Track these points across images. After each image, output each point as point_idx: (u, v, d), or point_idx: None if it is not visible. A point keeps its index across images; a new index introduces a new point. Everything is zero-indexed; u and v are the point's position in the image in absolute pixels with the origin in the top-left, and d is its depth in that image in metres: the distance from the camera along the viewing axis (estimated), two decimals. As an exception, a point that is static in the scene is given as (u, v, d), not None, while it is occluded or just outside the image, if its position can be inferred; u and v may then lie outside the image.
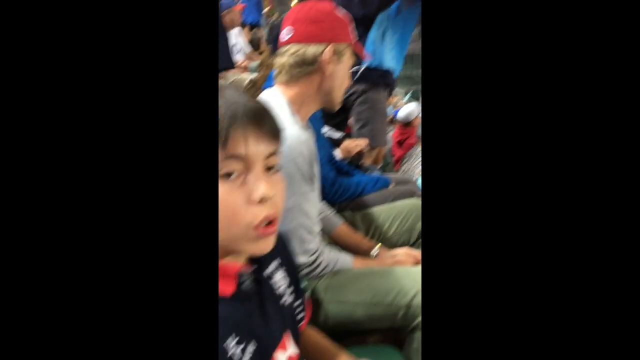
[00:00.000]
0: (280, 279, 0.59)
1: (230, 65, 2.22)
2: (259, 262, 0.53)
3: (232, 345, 0.46)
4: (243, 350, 0.47)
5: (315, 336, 0.70)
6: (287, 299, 0.59)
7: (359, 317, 0.89)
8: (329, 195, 1.30)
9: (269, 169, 0.48)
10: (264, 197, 0.45)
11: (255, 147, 0.45)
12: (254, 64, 3.36)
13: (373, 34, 1.86)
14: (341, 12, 0.94)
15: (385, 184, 1.46)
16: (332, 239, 1.14)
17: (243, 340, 0.47)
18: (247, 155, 0.45)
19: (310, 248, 0.88)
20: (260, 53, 3.84)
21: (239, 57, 3.45)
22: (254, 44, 4.11)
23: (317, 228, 0.92)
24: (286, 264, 0.62)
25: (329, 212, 1.18)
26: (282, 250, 0.62)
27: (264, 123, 0.46)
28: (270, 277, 0.57)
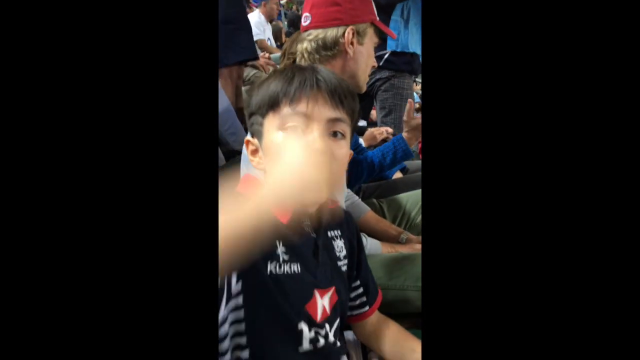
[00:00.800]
0: (339, 247, 0.64)
1: (255, 56, 2.22)
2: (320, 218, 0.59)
3: (280, 249, 0.52)
4: (286, 261, 0.52)
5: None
6: (343, 266, 0.63)
7: (390, 301, 0.88)
8: (351, 180, 1.27)
9: (333, 133, 0.53)
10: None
11: (319, 109, 0.51)
12: (276, 55, 3.39)
13: (395, 18, 1.82)
14: None
15: (407, 154, 1.16)
16: (359, 226, 1.13)
17: (289, 253, 0.53)
18: (308, 114, 0.51)
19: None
20: (281, 45, 3.87)
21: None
22: (274, 36, 4.13)
23: (344, 214, 0.92)
24: (347, 239, 0.66)
25: (356, 199, 1.16)
26: (346, 225, 0.67)
27: (334, 93, 0.52)
28: (333, 239, 0.63)
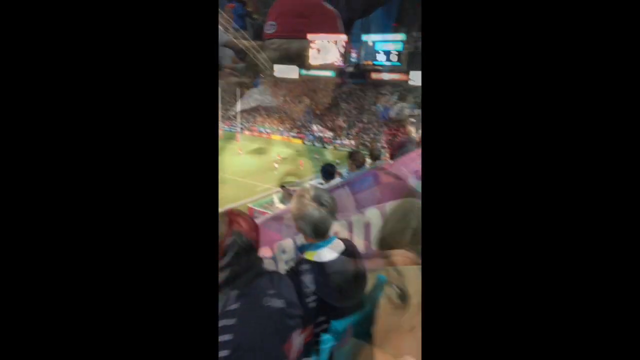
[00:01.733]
0: (309, 280, 0.63)
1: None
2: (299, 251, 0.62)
3: (269, 294, 0.52)
4: (272, 296, 0.53)
5: None
6: (311, 303, 0.63)
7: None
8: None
9: None
10: None
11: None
12: (240, 65, 3.19)
13: (355, 32, 1.79)
14: (328, 6, 0.96)
15: (372, 181, 1.30)
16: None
17: (274, 288, 0.53)
18: None
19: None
20: (244, 56, 3.63)
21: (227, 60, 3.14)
22: (237, 49, 4.03)
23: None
24: (315, 273, 0.65)
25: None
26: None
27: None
28: (302, 273, 0.63)
